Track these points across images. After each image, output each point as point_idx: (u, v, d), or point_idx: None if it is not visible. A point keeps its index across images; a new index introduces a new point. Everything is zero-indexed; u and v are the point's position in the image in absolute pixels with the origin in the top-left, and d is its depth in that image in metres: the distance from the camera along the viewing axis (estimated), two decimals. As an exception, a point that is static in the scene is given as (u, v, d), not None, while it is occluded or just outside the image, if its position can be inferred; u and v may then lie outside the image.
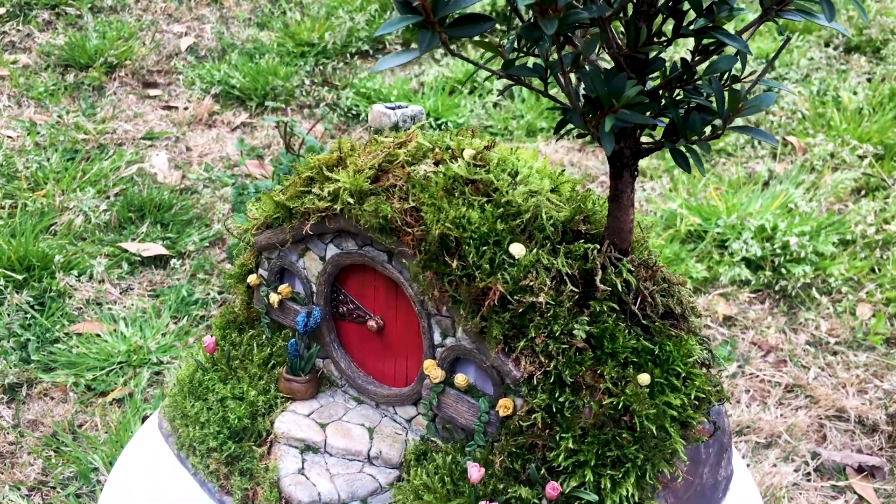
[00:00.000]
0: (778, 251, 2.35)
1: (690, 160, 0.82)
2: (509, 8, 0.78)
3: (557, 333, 0.90)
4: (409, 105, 1.10)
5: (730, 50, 0.80)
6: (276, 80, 3.09)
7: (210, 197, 2.59)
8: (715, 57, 0.79)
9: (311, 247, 1.09)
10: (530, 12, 0.71)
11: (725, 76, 0.81)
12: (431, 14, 0.64)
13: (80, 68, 3.15)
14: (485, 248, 0.91)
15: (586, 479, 0.89)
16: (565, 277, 0.91)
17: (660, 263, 0.95)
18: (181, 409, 1.12)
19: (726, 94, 0.78)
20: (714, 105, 0.79)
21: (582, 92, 0.79)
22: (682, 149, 0.82)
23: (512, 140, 2.93)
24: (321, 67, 3.29)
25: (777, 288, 2.31)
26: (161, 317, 2.09)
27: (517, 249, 0.92)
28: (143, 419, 1.71)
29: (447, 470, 0.98)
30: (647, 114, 0.80)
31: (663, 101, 0.83)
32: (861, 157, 2.86)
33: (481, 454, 0.96)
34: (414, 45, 0.72)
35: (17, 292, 2.10)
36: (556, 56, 0.72)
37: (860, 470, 1.78)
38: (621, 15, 0.80)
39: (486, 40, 0.79)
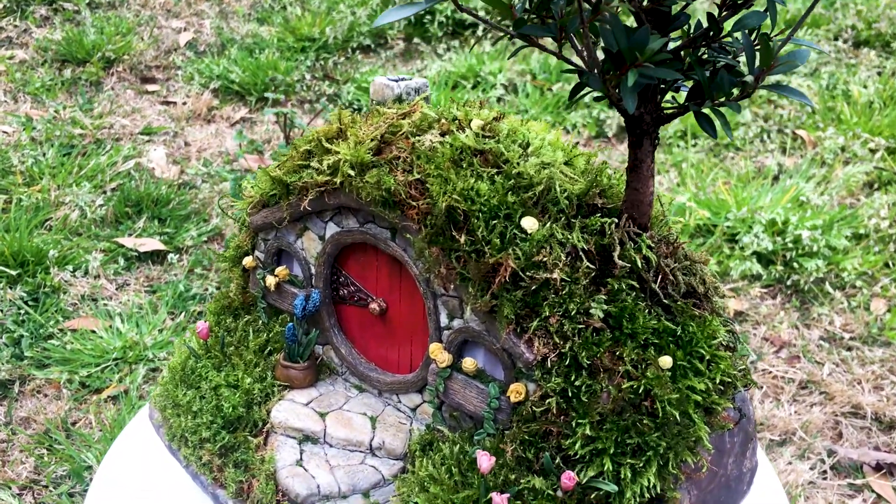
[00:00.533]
0: (790, 245, 2.30)
1: (717, 123, 0.76)
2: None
3: (573, 313, 0.84)
4: (412, 77, 1.04)
5: (759, 4, 0.75)
6: (277, 73, 3.05)
7: (209, 192, 2.55)
8: (744, 11, 0.74)
9: (309, 226, 1.04)
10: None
11: (754, 33, 0.75)
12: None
13: (78, 63, 3.12)
14: (495, 221, 0.86)
15: (605, 469, 0.83)
16: (581, 253, 0.86)
17: (681, 240, 0.90)
18: (172, 398, 1.06)
19: (757, 50, 0.72)
20: (741, 66, 0.73)
21: (601, 48, 0.73)
22: (708, 111, 0.77)
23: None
24: (322, 62, 3.25)
25: (789, 283, 2.26)
26: (158, 313, 2.05)
27: (529, 223, 0.86)
28: (138, 416, 1.67)
29: (455, 460, 0.93)
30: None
31: (687, 61, 0.77)
32: (873, 151, 2.81)
33: (491, 443, 0.91)
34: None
35: (11, 288, 2.06)
36: (574, 5, 0.67)
37: (878, 468, 1.74)
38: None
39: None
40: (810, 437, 1.79)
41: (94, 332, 1.95)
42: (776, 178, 2.70)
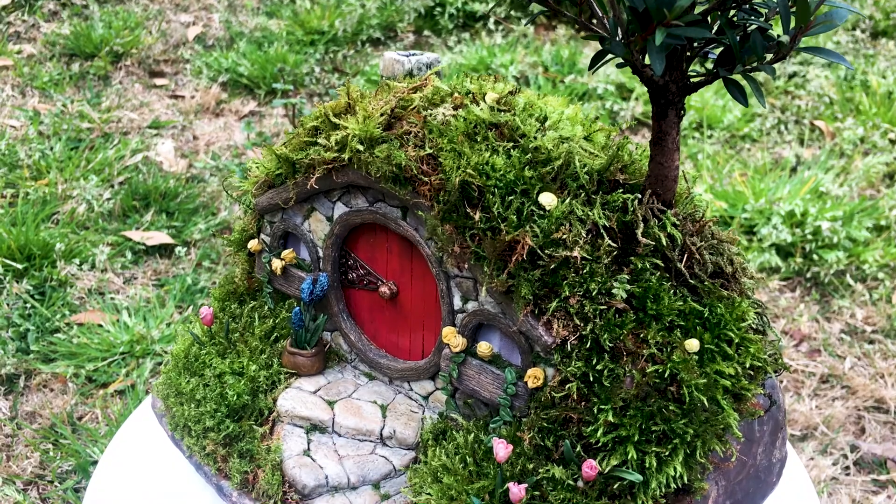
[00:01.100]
0: (809, 237, 2.25)
1: (748, 90, 0.72)
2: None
3: (594, 293, 0.80)
4: (423, 52, 1.00)
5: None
6: (286, 66, 3.03)
7: (217, 185, 2.53)
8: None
9: (316, 206, 1.00)
10: None
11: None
12: None
13: (86, 58, 3.11)
14: (511, 197, 0.82)
15: (628, 457, 0.79)
16: (602, 230, 0.81)
17: (707, 217, 0.85)
18: (175, 386, 1.03)
19: (792, 10, 0.67)
20: (773, 30, 0.69)
21: (626, 5, 0.69)
22: (739, 77, 0.72)
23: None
24: (331, 55, 3.23)
25: (809, 275, 2.22)
26: (165, 306, 2.03)
27: (548, 199, 0.82)
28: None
29: (469, 450, 0.89)
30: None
31: (717, 24, 0.73)
32: (893, 142, 2.76)
33: (508, 431, 0.87)
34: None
35: (17, 281, 2.04)
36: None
37: (903, 463, 1.70)
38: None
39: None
40: (832, 431, 1.76)
41: (100, 325, 1.94)
42: (794, 170, 2.65)
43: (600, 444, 0.81)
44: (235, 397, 0.99)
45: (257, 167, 1.01)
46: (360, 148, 0.86)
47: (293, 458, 0.95)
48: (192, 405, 0.99)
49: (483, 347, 0.89)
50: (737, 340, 0.83)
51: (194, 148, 2.74)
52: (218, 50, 3.22)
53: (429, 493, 0.88)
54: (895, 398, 1.83)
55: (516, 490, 0.81)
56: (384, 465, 0.96)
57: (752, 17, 0.72)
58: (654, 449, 0.79)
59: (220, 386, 0.99)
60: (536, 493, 0.82)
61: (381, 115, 0.88)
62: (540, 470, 0.83)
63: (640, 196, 0.83)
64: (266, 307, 1.09)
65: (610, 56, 0.77)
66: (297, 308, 1.03)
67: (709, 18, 0.75)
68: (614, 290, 0.80)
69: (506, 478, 0.84)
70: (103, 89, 2.98)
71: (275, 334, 1.07)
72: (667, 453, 0.79)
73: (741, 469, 0.86)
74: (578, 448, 0.82)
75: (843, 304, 2.13)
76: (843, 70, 3.14)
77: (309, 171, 0.93)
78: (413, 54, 1.00)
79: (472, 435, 0.90)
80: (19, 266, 2.07)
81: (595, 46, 3.00)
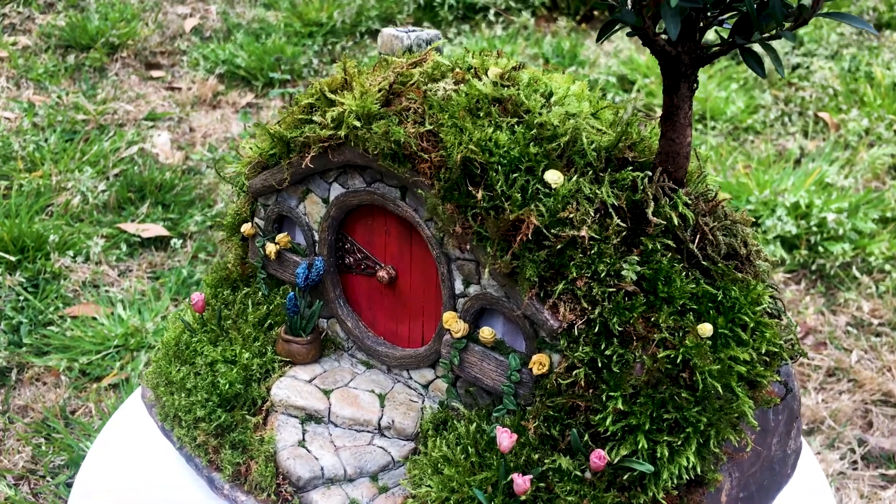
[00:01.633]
0: (814, 229, 2.23)
1: (766, 60, 0.68)
2: None
3: (603, 275, 0.77)
4: (423, 29, 0.96)
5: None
6: (283, 56, 3.00)
7: (213, 178, 2.50)
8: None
9: (312, 188, 0.97)
10: None
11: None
12: None
13: (81, 49, 3.08)
14: (515, 174, 0.78)
15: (639, 447, 0.76)
16: (611, 209, 0.78)
17: (720, 197, 0.82)
18: (165, 374, 1.00)
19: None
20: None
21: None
22: (757, 47, 0.68)
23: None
24: (330, 47, 3.20)
25: (814, 267, 2.19)
26: (160, 299, 2.01)
27: (554, 177, 0.78)
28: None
29: (471, 440, 0.86)
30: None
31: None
32: (899, 134, 2.73)
33: (512, 420, 0.84)
34: None
35: (10, 274, 2.02)
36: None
37: (912, 458, 1.68)
38: None
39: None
40: (839, 425, 1.73)
41: (94, 318, 1.91)
42: (798, 162, 2.62)
43: (609, 434, 0.78)
44: (227, 386, 0.96)
45: (250, 148, 0.98)
46: (358, 124, 0.82)
47: (287, 450, 0.93)
48: (183, 394, 0.97)
49: (486, 333, 0.87)
50: (752, 325, 0.79)
51: (191, 140, 2.71)
52: (215, 41, 3.19)
53: (429, 486, 0.85)
54: (903, 392, 1.81)
55: (521, 481, 0.78)
56: (382, 456, 0.94)
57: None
58: (665, 438, 0.76)
59: (212, 374, 0.96)
60: (542, 484, 0.79)
61: (380, 90, 0.84)
62: (545, 460, 0.80)
63: (650, 174, 0.80)
64: (260, 293, 1.06)
65: (619, 25, 0.73)
66: (292, 294, 1.00)
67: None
68: (624, 272, 0.77)
69: (509, 469, 0.81)
70: (99, 81, 2.96)
71: (269, 321, 1.05)
72: (679, 443, 0.76)
73: (755, 460, 0.83)
74: (586, 437, 0.79)
75: (849, 296, 2.11)
76: (847, 61, 3.11)
77: (304, 150, 0.89)
78: (412, 30, 0.97)
79: (475, 424, 0.88)
80: (12, 258, 2.05)
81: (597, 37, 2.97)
